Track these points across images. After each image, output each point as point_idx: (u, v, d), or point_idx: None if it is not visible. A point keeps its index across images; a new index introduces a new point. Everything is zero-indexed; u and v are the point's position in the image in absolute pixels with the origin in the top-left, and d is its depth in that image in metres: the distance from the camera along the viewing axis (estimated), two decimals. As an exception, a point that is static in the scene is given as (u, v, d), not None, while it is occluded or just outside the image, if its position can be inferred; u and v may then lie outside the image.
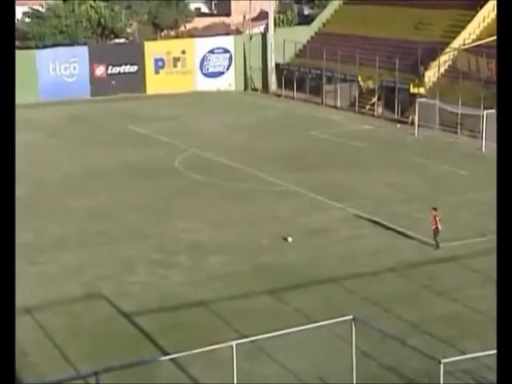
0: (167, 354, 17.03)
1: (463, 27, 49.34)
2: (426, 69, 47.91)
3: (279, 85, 57.59)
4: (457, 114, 41.45)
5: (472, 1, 49.98)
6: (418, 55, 48.13)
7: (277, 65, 58.47)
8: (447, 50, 48.58)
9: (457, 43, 48.68)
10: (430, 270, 23.16)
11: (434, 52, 48.06)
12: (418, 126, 42.57)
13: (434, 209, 25.01)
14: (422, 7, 53.39)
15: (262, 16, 73.71)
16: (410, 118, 44.58)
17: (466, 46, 47.52)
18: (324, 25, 61.31)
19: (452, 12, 51.29)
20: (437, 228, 24.65)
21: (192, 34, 71.52)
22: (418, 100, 43.82)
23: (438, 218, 24.67)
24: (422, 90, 46.50)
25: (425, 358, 14.67)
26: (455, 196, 30.54)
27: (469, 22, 49.30)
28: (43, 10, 65.52)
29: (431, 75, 47.96)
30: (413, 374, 16.68)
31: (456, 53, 48.12)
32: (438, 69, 47.86)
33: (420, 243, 25.27)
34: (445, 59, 48.32)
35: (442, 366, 13.51)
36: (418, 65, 48.06)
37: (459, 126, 41.73)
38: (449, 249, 24.68)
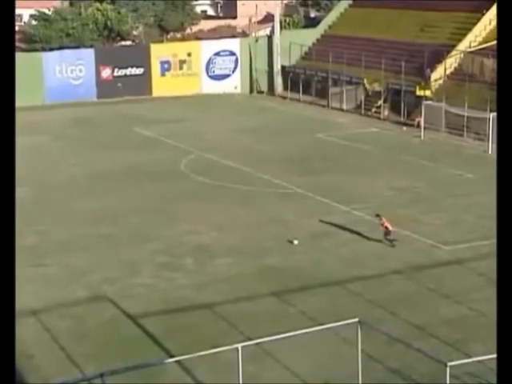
0: (172, 356, 17.02)
1: (469, 30, 49.26)
2: (432, 71, 47.85)
3: (285, 87, 57.58)
4: (463, 116, 41.36)
5: (478, 3, 49.89)
6: (424, 58, 48.06)
7: (283, 67, 58.47)
8: (453, 52, 48.51)
9: (463, 46, 48.61)
10: (435, 272, 23.10)
11: (440, 54, 47.98)
12: (424, 128, 42.50)
13: (377, 215, 25.56)
14: (428, 10, 53.34)
15: (268, 19, 73.88)
16: (416, 120, 44.51)
17: (472, 49, 47.46)
18: (330, 27, 61.29)
19: (458, 14, 51.22)
20: (387, 228, 24.97)
21: (198, 36, 71.72)
22: (424, 102, 43.76)
23: (383, 221, 25.07)
24: (428, 93, 46.44)
25: (431, 361, 14.62)
26: (461, 199, 30.47)
27: (475, 24, 49.22)
28: (50, 13, 65.81)
29: (437, 78, 47.90)
30: (419, 377, 16.63)
31: (462, 55, 48.06)
32: (444, 71, 47.78)
33: (425, 246, 25.22)
34: (451, 62, 48.24)
35: (448, 369, 13.47)
36: (424, 67, 48.00)
37: (465, 129, 41.64)
38: (454, 252, 24.63)
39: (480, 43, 47.55)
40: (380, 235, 25.50)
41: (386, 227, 25.05)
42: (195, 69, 59.25)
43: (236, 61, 60.12)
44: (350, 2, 61.61)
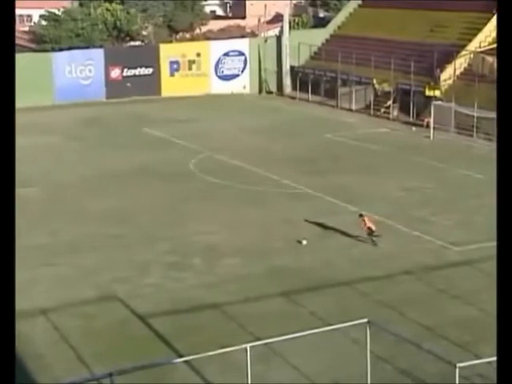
0: (181, 356, 17.04)
1: (479, 30, 49.14)
2: (441, 71, 47.74)
3: (294, 87, 57.55)
4: (472, 116, 41.27)
5: (488, 3, 49.70)
6: (433, 58, 47.96)
7: (291, 67, 58.45)
8: (463, 52, 48.39)
9: (473, 46, 48.50)
10: (445, 273, 23.05)
11: (449, 55, 47.89)
12: (434, 128, 42.41)
13: (360, 215, 25.51)
14: (437, 10, 53.24)
15: (277, 19, 73.78)
16: (426, 120, 44.42)
17: (482, 49, 47.32)
18: (339, 27, 61.26)
19: (468, 14, 51.10)
20: (369, 228, 24.92)
21: (207, 36, 71.77)
22: (434, 103, 43.66)
23: (366, 221, 25.05)
24: (437, 93, 46.31)
25: (440, 361, 14.59)
26: (470, 199, 30.38)
27: (485, 24, 49.07)
28: (60, 14, 65.97)
29: (447, 78, 47.79)
30: (428, 378, 16.60)
31: (472, 55, 47.93)
32: (454, 71, 47.67)
33: (435, 247, 25.16)
34: (461, 62, 48.13)
35: (457, 371, 13.43)
36: (433, 67, 47.90)
37: (475, 129, 41.53)
38: (464, 253, 24.57)
39: (490, 43, 47.37)
40: (389, 236, 25.48)
41: (369, 227, 25.02)
42: (204, 69, 59.29)
43: (245, 61, 60.13)
44: (360, 2, 61.57)
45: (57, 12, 66.29)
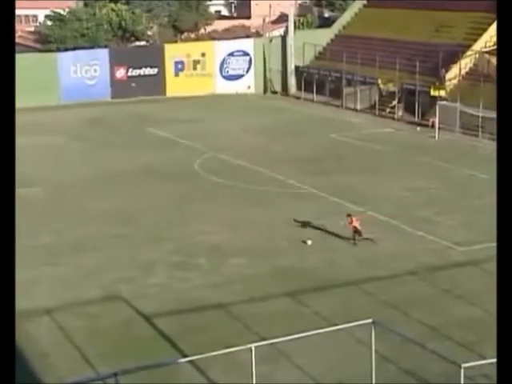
0: (186, 356, 17.05)
1: (485, 29, 49.04)
2: (446, 71, 47.69)
3: (299, 87, 57.55)
4: (478, 116, 41.22)
5: (493, 3, 49.60)
6: (438, 58, 47.92)
7: (296, 67, 58.45)
8: (468, 52, 48.33)
9: (478, 46, 48.42)
10: (449, 273, 23.03)
11: (455, 55, 47.84)
12: (439, 128, 42.38)
13: (349, 215, 25.45)
14: (443, 10, 53.17)
15: (282, 19, 73.78)
16: (431, 120, 44.39)
17: (488, 49, 47.25)
18: (344, 27, 61.24)
19: (473, 14, 51.02)
20: (355, 228, 24.90)
21: (212, 36, 71.79)
22: (439, 103, 43.63)
23: (353, 220, 25.00)
24: (442, 93, 46.28)
25: (444, 362, 14.58)
26: (475, 200, 30.35)
27: (490, 24, 48.92)
28: (65, 14, 66.10)
29: (452, 78, 47.73)
30: (432, 378, 16.59)
31: (477, 55, 47.86)
32: (459, 71, 47.61)
33: (439, 247, 25.14)
34: (466, 62, 48.08)
35: (462, 371, 13.42)
36: (438, 67, 47.85)
37: (480, 129, 41.48)
38: (468, 253, 24.54)
39: (495, 43, 47.32)
40: (393, 236, 25.44)
41: (354, 227, 25.01)
42: (209, 69, 59.32)
43: (250, 61, 60.15)
44: (365, 2, 61.53)
45: (62, 12, 66.42)
